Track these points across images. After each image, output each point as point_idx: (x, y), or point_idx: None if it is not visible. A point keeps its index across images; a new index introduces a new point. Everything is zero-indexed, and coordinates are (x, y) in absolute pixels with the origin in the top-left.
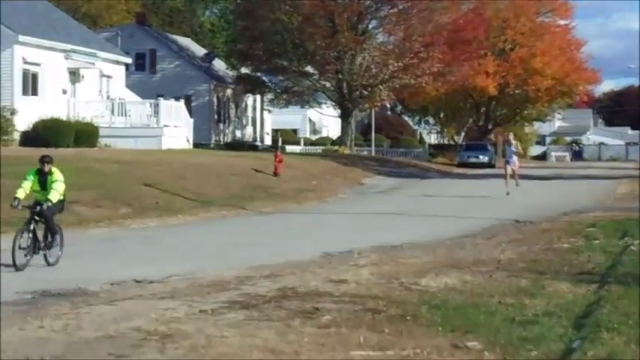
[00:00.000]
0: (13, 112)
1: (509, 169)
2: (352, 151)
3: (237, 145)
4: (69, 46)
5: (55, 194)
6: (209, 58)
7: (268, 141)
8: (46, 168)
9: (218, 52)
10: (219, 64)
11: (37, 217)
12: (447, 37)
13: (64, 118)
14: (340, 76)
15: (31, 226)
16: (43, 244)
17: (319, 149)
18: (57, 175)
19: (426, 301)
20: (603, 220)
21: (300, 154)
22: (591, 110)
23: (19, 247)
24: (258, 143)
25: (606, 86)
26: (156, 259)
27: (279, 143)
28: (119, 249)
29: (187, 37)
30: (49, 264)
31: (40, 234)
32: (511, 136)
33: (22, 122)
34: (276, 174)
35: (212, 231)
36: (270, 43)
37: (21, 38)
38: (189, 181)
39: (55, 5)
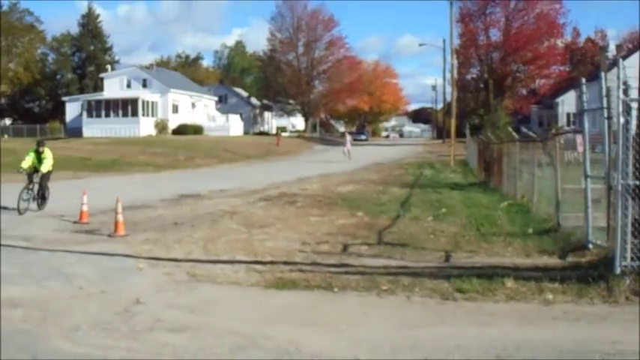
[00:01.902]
0: (166, 122)
1: (345, 149)
2: (310, 135)
3: (262, 133)
4: (190, 92)
5: (45, 167)
6: (249, 97)
7: (274, 131)
8: (40, 149)
9: (251, 93)
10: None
11: (35, 180)
12: (350, 86)
13: (189, 123)
14: (304, 103)
15: (30, 186)
16: (37, 197)
17: (295, 135)
18: (47, 153)
19: (340, 196)
20: (412, 161)
21: (287, 137)
22: (406, 116)
23: (22, 199)
24: (271, 132)
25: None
26: (228, 181)
27: (279, 132)
28: (212, 176)
29: (240, 87)
30: (39, 209)
31: (35, 190)
32: (347, 134)
33: (172, 125)
34: (277, 145)
35: (249, 169)
36: (275, 90)
37: (171, 89)
38: (241, 147)
39: (183, 74)
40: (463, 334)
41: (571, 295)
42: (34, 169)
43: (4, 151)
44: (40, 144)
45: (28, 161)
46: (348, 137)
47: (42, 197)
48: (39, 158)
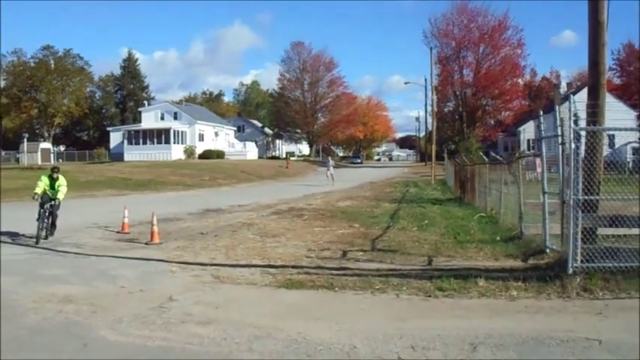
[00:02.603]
0: (194, 148)
1: (329, 173)
2: (314, 159)
3: (274, 157)
4: (214, 123)
5: (62, 195)
6: (263, 127)
7: (284, 155)
8: (55, 175)
9: (265, 124)
10: (266, 129)
11: (47, 207)
12: (347, 118)
13: (212, 149)
14: (309, 132)
15: (45, 213)
16: (47, 225)
17: (302, 158)
18: (62, 180)
19: (340, 210)
20: (399, 180)
21: (295, 160)
22: (395, 143)
23: (40, 228)
24: (282, 156)
25: (400, 133)
26: (245, 197)
27: (288, 156)
28: (232, 194)
29: (255, 119)
30: (46, 238)
31: (47, 218)
32: (329, 158)
33: (198, 151)
34: (287, 167)
35: (264, 187)
36: (284, 121)
37: (198, 121)
38: (256, 169)
39: (207, 108)
40: (443, 325)
41: (532, 292)
42: (49, 198)
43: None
44: (54, 170)
45: (40, 187)
46: (331, 162)
47: (52, 224)
48: (52, 185)
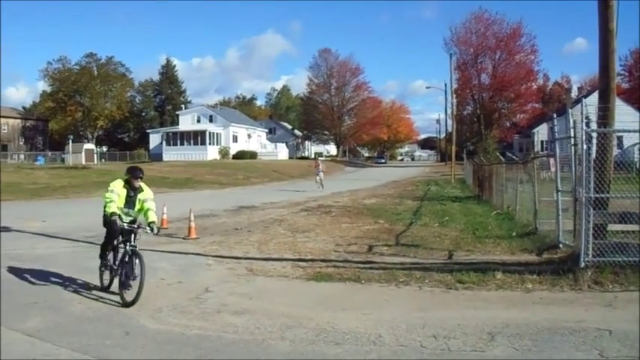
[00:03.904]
0: (228, 149)
1: (317, 178)
2: (341, 159)
3: (303, 157)
4: (247, 126)
5: (153, 217)
6: (293, 129)
7: (312, 155)
8: (136, 183)
9: (294, 126)
10: (296, 131)
11: (124, 238)
12: (372, 120)
13: (246, 149)
14: (336, 134)
15: (126, 259)
16: (121, 271)
17: (329, 158)
18: (148, 192)
19: (365, 207)
20: (421, 179)
21: (323, 160)
22: (417, 144)
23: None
24: (310, 156)
25: (422, 135)
26: (277, 196)
27: (317, 156)
28: (264, 192)
29: (286, 122)
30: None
31: (121, 257)
32: (320, 163)
33: (232, 151)
34: (315, 167)
35: (293, 186)
36: (313, 124)
37: (232, 124)
38: (286, 169)
39: (241, 111)
40: (463, 315)
41: (546, 285)
42: (131, 220)
43: (103, 172)
44: (136, 174)
45: (114, 204)
46: (321, 166)
47: (131, 273)
48: (132, 199)
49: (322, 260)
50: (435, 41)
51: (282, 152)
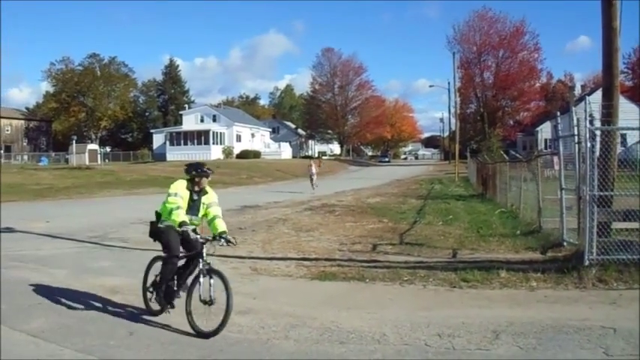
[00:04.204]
0: (231, 148)
1: (313, 179)
2: (344, 158)
3: (307, 157)
4: (250, 125)
5: (222, 226)
6: (296, 129)
7: (316, 154)
8: (202, 183)
9: (298, 126)
10: (299, 131)
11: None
12: (375, 119)
13: (249, 149)
14: (339, 133)
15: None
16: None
17: (333, 158)
18: (212, 195)
19: (369, 206)
20: (425, 178)
21: (327, 159)
22: (420, 143)
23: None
24: (314, 155)
25: (426, 134)
26: (279, 195)
27: (320, 156)
28: (268, 191)
29: (289, 121)
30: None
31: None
32: (313, 165)
33: (236, 151)
34: (319, 167)
35: (297, 185)
36: (316, 123)
37: (235, 123)
38: (290, 168)
39: (244, 111)
40: (467, 314)
41: (550, 283)
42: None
43: (107, 171)
44: (202, 172)
45: (182, 211)
46: (314, 167)
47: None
48: (196, 203)
49: (326, 259)
50: (438, 40)
51: (285, 151)
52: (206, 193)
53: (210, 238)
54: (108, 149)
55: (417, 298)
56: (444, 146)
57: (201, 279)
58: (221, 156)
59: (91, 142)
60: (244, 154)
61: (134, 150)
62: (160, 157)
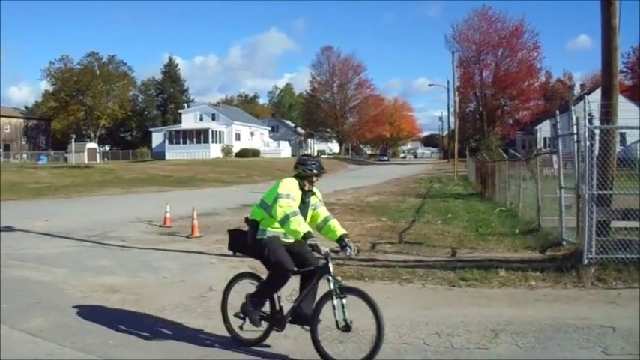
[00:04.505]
0: (231, 147)
1: None
2: (344, 157)
3: (306, 155)
4: (249, 124)
5: (339, 230)
6: (295, 127)
7: (315, 153)
8: (314, 184)
9: (297, 124)
10: (299, 129)
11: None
12: (375, 118)
13: (248, 148)
14: (338, 131)
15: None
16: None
17: (332, 156)
18: (318, 194)
19: (368, 205)
20: (424, 177)
21: (326, 158)
22: (419, 141)
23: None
24: (313, 154)
25: (425, 132)
26: None
27: (319, 154)
28: (267, 190)
29: (288, 120)
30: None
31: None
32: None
33: (235, 150)
34: None
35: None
36: (315, 122)
37: (234, 122)
38: (290, 166)
39: (243, 110)
40: (466, 312)
41: (549, 282)
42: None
43: (106, 170)
44: (317, 166)
45: (299, 216)
46: None
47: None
48: (305, 206)
49: None
50: (438, 39)
51: (284, 150)
52: (313, 193)
53: (337, 249)
54: (107, 148)
55: (416, 296)
56: (443, 145)
57: (334, 301)
58: (220, 155)
59: (90, 141)
60: (243, 153)
61: (133, 149)
62: (159, 155)
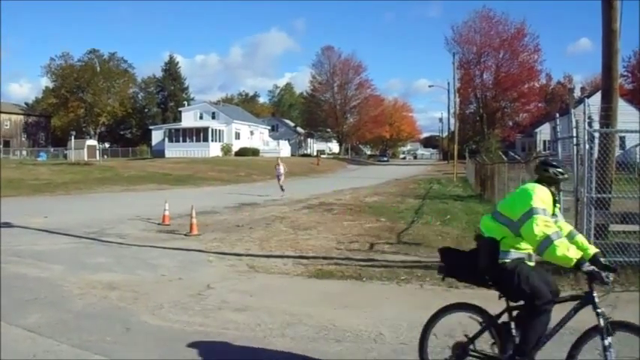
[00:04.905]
0: (230, 146)
1: (280, 179)
2: (343, 157)
3: (305, 155)
4: (249, 123)
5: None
6: (295, 127)
7: (315, 153)
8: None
9: (297, 124)
10: (299, 129)
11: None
12: (375, 119)
13: (248, 146)
14: (338, 131)
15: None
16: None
17: (331, 156)
18: (561, 204)
19: (367, 205)
20: (423, 178)
21: (325, 158)
22: (419, 142)
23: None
24: (313, 154)
25: (425, 133)
26: (278, 193)
27: (319, 154)
28: (266, 189)
29: (288, 119)
30: None
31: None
32: (280, 164)
33: (235, 148)
34: (317, 164)
35: (295, 183)
36: (315, 122)
37: (234, 121)
38: (289, 166)
39: (243, 108)
40: (464, 313)
41: None
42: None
43: (106, 167)
44: (563, 169)
45: (553, 222)
46: (282, 166)
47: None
48: (553, 215)
49: (324, 258)
50: (439, 40)
51: (284, 149)
52: (557, 201)
53: (596, 270)
54: (107, 145)
55: (414, 297)
56: (442, 146)
57: (605, 340)
58: (220, 153)
59: (90, 138)
60: (243, 152)
61: (133, 146)
62: (159, 153)
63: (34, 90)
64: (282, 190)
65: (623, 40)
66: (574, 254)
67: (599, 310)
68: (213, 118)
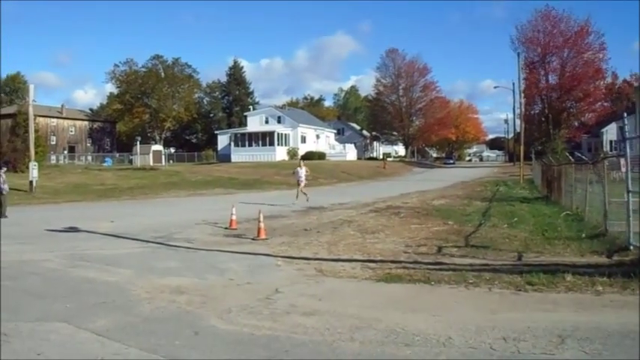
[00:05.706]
0: (296, 149)
1: (301, 185)
2: (409, 160)
3: (372, 158)
4: (315, 127)
5: None
6: (361, 130)
7: (381, 156)
8: None
9: (363, 127)
10: (364, 132)
11: None
12: (440, 121)
13: (314, 150)
14: (404, 134)
15: None
16: None
17: (397, 159)
18: None
19: (434, 208)
20: (490, 180)
21: (391, 161)
22: (485, 144)
23: None
24: (379, 157)
25: (491, 135)
26: (344, 196)
27: (385, 157)
28: (333, 193)
29: (354, 122)
30: None
31: None
32: (302, 168)
33: (301, 152)
34: (384, 168)
35: (363, 187)
36: (381, 125)
37: (300, 125)
38: (355, 170)
39: (309, 112)
40: (532, 317)
41: (617, 287)
42: None
43: (172, 172)
44: None
45: None
46: (302, 171)
47: None
48: None
49: (392, 261)
50: (504, 40)
51: (350, 153)
52: None
53: None
54: (172, 150)
55: (483, 301)
56: (508, 148)
57: None
58: (286, 157)
59: (155, 143)
60: (309, 156)
61: (198, 151)
62: (225, 158)
63: (98, 96)
64: (305, 195)
65: None
66: None
67: None
68: (279, 122)
